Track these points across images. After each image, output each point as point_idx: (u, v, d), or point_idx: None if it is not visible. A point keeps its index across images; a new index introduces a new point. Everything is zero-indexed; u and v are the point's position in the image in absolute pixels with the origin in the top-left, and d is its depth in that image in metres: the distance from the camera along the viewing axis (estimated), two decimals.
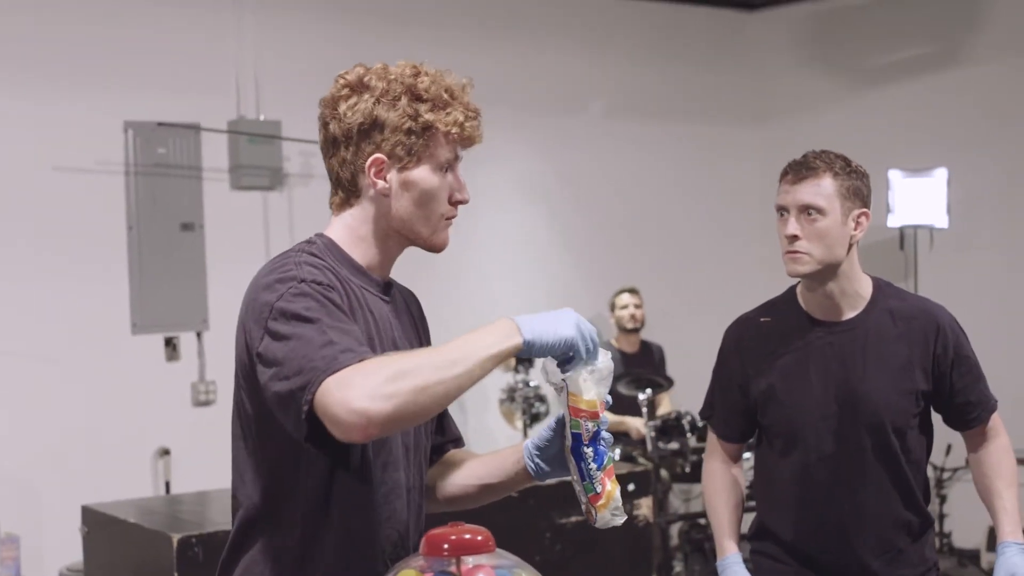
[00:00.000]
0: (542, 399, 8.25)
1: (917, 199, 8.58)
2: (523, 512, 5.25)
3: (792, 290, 3.62)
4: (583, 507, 2.44)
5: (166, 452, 7.30)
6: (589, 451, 2.38)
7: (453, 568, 2.12)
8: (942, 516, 8.52)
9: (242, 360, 2.37)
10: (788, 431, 3.51)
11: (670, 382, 8.25)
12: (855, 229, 3.45)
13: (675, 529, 8.05)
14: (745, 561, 3.61)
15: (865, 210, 3.48)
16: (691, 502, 8.63)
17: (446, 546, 2.13)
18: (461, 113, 2.49)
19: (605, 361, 2.39)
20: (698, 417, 7.51)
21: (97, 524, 5.09)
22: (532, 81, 9.07)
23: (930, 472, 8.59)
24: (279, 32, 7.80)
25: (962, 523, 8.61)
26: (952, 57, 9.09)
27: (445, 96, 2.47)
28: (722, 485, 3.68)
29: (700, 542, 7.70)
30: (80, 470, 6.97)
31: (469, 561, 2.13)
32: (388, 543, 2.44)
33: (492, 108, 9.59)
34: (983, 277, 8.81)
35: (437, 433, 2.73)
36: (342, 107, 2.46)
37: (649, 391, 7.86)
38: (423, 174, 2.48)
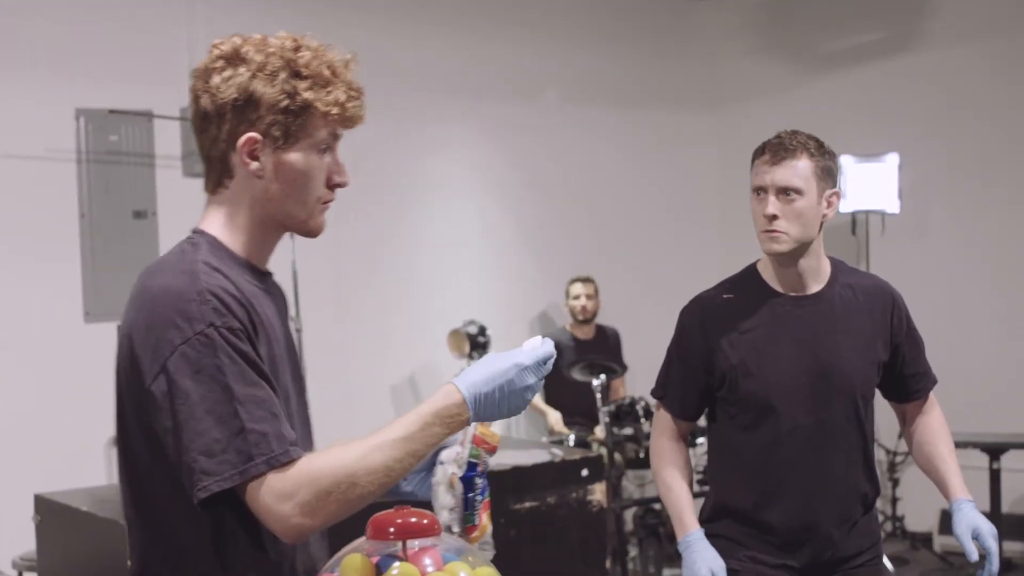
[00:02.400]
0: None
1: (869, 184, 8.63)
2: None
3: (752, 267, 3.69)
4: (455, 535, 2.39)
5: None
6: (480, 482, 2.39)
7: (399, 552, 2.12)
8: (895, 500, 8.58)
9: (126, 372, 2.26)
10: (761, 403, 3.54)
11: (624, 368, 8.27)
12: (827, 208, 3.53)
13: (629, 514, 8.07)
14: None
15: (836, 190, 3.57)
16: (645, 487, 8.65)
17: (392, 529, 2.12)
18: (343, 92, 2.33)
19: None
20: (652, 402, 7.60)
21: (50, 513, 5.07)
22: (485, 68, 9.07)
23: (882, 455, 8.68)
24: (231, 18, 7.75)
25: (914, 507, 8.67)
26: (904, 43, 9.14)
27: (326, 73, 2.32)
28: (677, 462, 3.70)
29: (655, 527, 7.72)
30: (33, 459, 6.94)
31: (415, 544, 2.13)
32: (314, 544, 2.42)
33: (446, 96, 9.65)
34: (934, 262, 8.86)
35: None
36: (215, 80, 2.30)
37: (603, 377, 7.87)
38: (299, 156, 2.32)
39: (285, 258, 7.63)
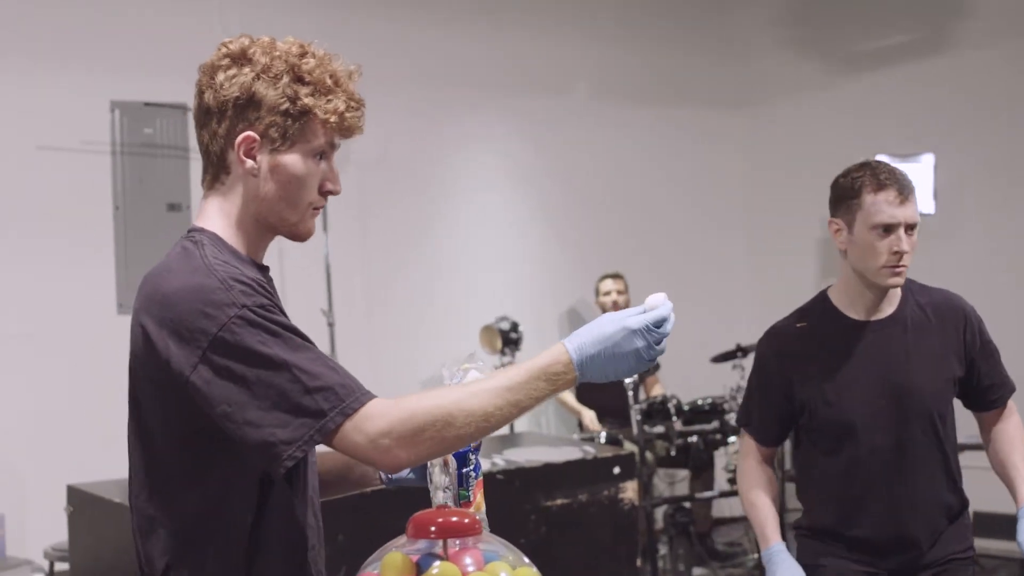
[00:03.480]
0: None
1: None
2: (508, 494, 5.25)
3: (823, 294, 3.77)
4: None
5: None
6: (473, 458, 2.40)
7: (439, 550, 2.12)
8: None
9: (146, 363, 2.28)
10: (840, 430, 3.62)
11: (656, 365, 8.26)
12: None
13: (660, 513, 8.06)
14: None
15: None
16: (675, 485, 8.64)
17: (433, 528, 2.12)
18: (343, 102, 2.36)
19: None
20: (681, 401, 7.59)
21: (82, 503, 5.08)
22: (516, 63, 9.06)
23: None
24: (264, 12, 7.78)
25: None
26: (938, 43, 9.09)
27: (329, 82, 2.36)
28: (761, 481, 3.78)
29: (685, 525, 7.71)
30: (65, 450, 6.96)
31: (456, 544, 2.13)
32: (312, 549, 2.42)
33: (476, 91, 9.64)
34: (969, 262, 8.81)
35: None
36: (220, 77, 2.34)
37: (635, 375, 7.85)
38: (294, 159, 2.35)
39: (318, 251, 7.64)
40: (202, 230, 2.38)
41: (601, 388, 8.18)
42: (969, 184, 8.79)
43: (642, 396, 8.02)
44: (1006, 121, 8.64)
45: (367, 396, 2.18)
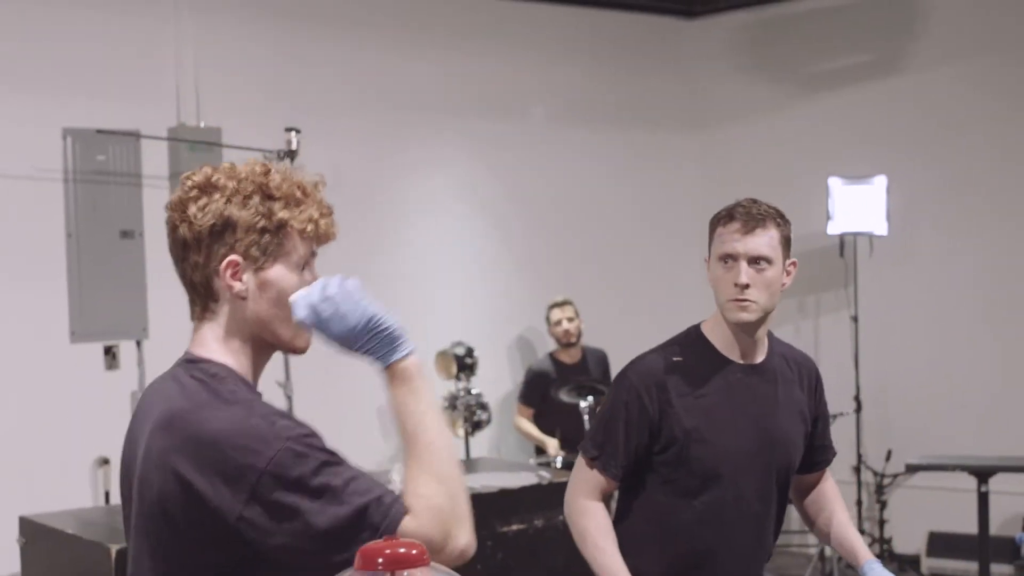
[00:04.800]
0: (484, 407, 8.26)
1: (856, 206, 8.64)
2: None
3: (696, 330, 3.65)
4: None
5: (105, 462, 7.25)
6: None
7: None
8: (882, 522, 8.58)
9: (185, 506, 2.27)
10: (709, 471, 3.51)
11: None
12: (787, 277, 3.55)
13: None
14: None
15: (794, 260, 3.58)
16: None
17: (380, 560, 2.11)
18: (315, 210, 2.43)
19: None
20: None
21: (35, 535, 5.05)
22: (470, 87, 9.08)
23: (870, 478, 8.68)
24: (219, 39, 7.77)
25: (902, 529, 8.67)
26: (891, 65, 9.16)
27: (298, 194, 2.41)
28: (608, 524, 3.60)
29: None
30: (18, 480, 6.91)
31: (404, 575, 2.12)
32: None
33: (432, 113, 9.63)
34: (922, 284, 8.88)
35: None
36: (192, 209, 2.37)
37: (591, 398, 7.87)
38: (280, 273, 2.39)
39: None
40: (210, 361, 2.40)
41: (559, 414, 8.19)
42: (922, 205, 8.86)
43: None
44: (959, 142, 8.71)
45: (405, 509, 2.29)
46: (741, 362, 3.56)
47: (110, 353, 7.37)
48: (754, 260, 3.45)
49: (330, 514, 2.22)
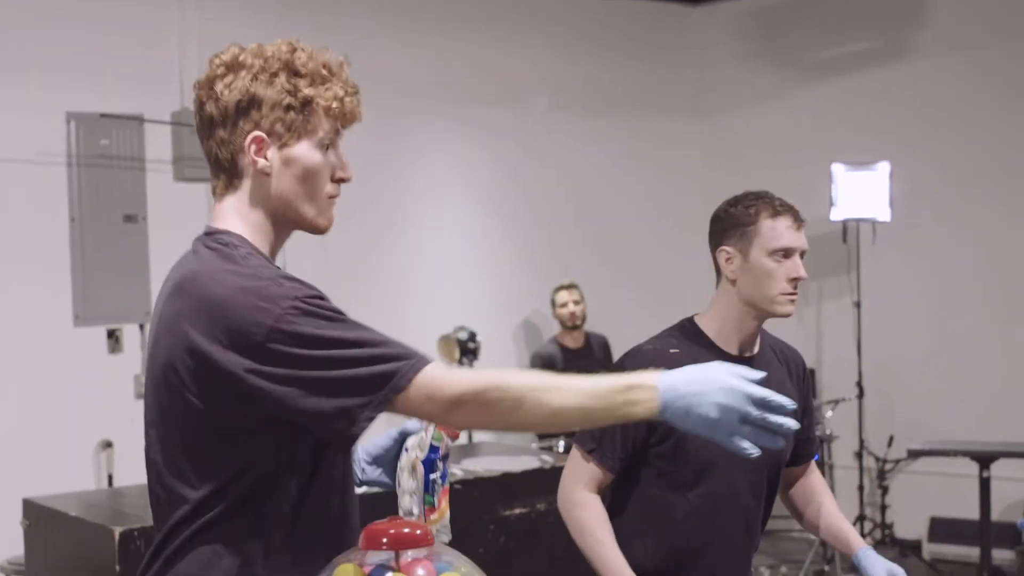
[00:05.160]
0: None
1: (860, 192, 8.64)
2: (466, 504, 5.24)
3: (691, 323, 3.63)
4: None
5: (109, 445, 7.27)
6: (441, 465, 2.43)
7: (392, 562, 2.12)
8: (884, 507, 8.59)
9: (195, 371, 2.29)
10: (704, 463, 3.48)
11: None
12: None
13: None
14: None
15: None
16: None
17: (385, 540, 2.13)
18: (341, 88, 2.42)
19: None
20: None
21: (38, 517, 5.06)
22: (473, 74, 9.07)
23: (872, 463, 8.69)
24: (222, 23, 7.76)
25: (903, 514, 8.68)
26: (895, 52, 9.15)
27: (324, 72, 2.41)
28: (605, 517, 3.54)
29: None
30: (22, 463, 6.92)
31: (408, 555, 2.13)
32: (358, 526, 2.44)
33: (434, 102, 9.62)
34: (925, 270, 8.88)
35: None
36: (219, 86, 2.40)
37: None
38: (304, 150, 2.41)
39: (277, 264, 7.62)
40: (227, 232, 2.42)
41: None
42: (925, 192, 8.86)
43: None
44: (962, 129, 8.71)
45: (429, 358, 2.26)
46: (737, 354, 3.55)
47: (113, 337, 7.40)
48: (800, 254, 3.50)
49: (335, 365, 2.23)
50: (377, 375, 2.22)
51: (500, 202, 9.23)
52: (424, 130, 8.82)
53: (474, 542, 5.04)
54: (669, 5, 10.16)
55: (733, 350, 3.55)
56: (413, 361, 2.24)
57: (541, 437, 8.31)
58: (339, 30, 8.09)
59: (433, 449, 2.44)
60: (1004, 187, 8.56)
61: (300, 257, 7.96)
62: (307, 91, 2.39)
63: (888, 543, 8.54)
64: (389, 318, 8.63)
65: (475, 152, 9.14)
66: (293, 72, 2.39)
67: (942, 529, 8.60)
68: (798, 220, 3.51)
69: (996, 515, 7.60)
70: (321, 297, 2.28)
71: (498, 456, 6.10)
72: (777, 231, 3.49)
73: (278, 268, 2.37)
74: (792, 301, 3.50)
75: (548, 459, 5.97)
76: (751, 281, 3.50)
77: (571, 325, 8.70)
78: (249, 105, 2.38)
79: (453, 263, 9.00)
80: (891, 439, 8.62)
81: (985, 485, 7.17)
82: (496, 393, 2.23)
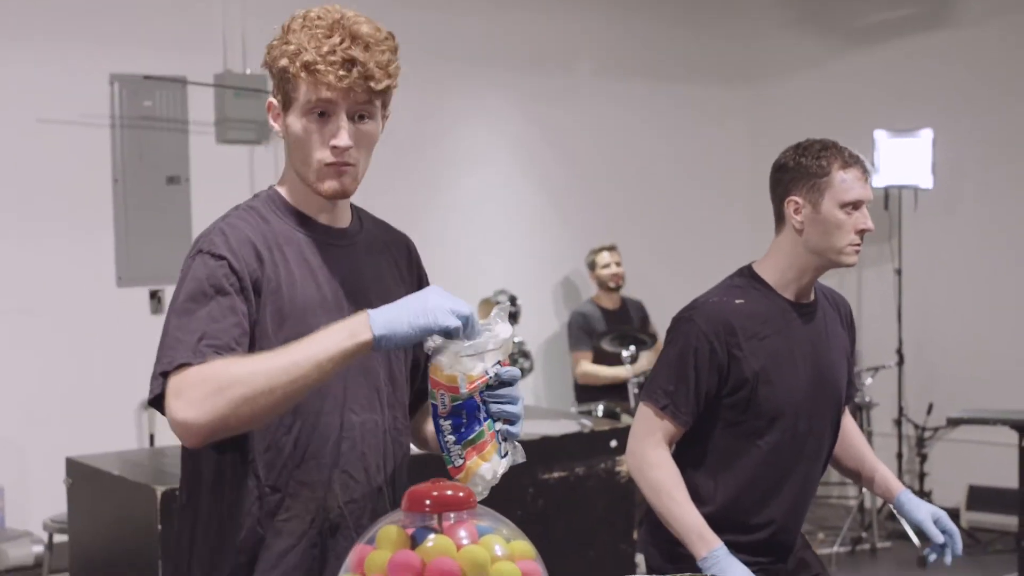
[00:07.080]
0: (526, 355, 8.27)
1: (902, 159, 8.59)
2: None
3: (749, 270, 3.63)
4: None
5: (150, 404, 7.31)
6: (446, 424, 2.33)
7: (434, 524, 2.14)
8: (922, 475, 8.57)
9: None
10: (774, 411, 3.50)
11: (653, 339, 8.27)
12: None
13: None
14: None
15: None
16: None
17: (428, 502, 2.14)
18: (312, 54, 2.39)
19: (485, 338, 2.34)
20: None
21: (81, 476, 5.10)
22: (516, 39, 9.05)
23: (911, 431, 8.67)
24: None
25: (942, 482, 8.66)
26: (939, 18, 9.09)
27: (304, 39, 2.41)
28: (679, 476, 3.51)
29: None
30: (65, 422, 6.99)
31: (451, 517, 2.15)
32: (339, 486, 2.50)
33: (476, 66, 9.61)
34: (967, 238, 8.83)
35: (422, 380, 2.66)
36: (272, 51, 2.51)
37: (633, 348, 7.89)
38: (293, 119, 2.47)
39: None
40: (272, 187, 2.62)
41: (601, 361, 8.21)
42: (968, 159, 8.80)
43: (640, 369, 8.03)
44: (1005, 96, 8.64)
45: (193, 358, 2.30)
46: (795, 301, 3.58)
47: (156, 297, 7.45)
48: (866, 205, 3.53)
49: (170, 323, 2.37)
50: (161, 361, 2.34)
51: (543, 167, 9.22)
52: (466, 94, 8.81)
53: (513, 505, 5.05)
54: None
55: (792, 297, 3.58)
56: (166, 362, 2.32)
57: (580, 401, 8.31)
58: None
59: (432, 408, 2.36)
60: None
61: None
62: (282, 61, 2.44)
63: None
64: (435, 282, 8.66)
65: (518, 116, 9.12)
66: (284, 41, 2.46)
67: (980, 497, 8.57)
68: (866, 171, 3.52)
69: None
70: (216, 256, 2.39)
71: (537, 420, 6.12)
72: (848, 183, 3.49)
73: (245, 223, 2.48)
74: (857, 252, 3.52)
75: (587, 423, 5.99)
76: (820, 232, 3.50)
77: (614, 286, 8.68)
78: (272, 77, 2.52)
79: (496, 227, 9.00)
80: (930, 407, 8.59)
81: None
82: (219, 379, 2.26)
